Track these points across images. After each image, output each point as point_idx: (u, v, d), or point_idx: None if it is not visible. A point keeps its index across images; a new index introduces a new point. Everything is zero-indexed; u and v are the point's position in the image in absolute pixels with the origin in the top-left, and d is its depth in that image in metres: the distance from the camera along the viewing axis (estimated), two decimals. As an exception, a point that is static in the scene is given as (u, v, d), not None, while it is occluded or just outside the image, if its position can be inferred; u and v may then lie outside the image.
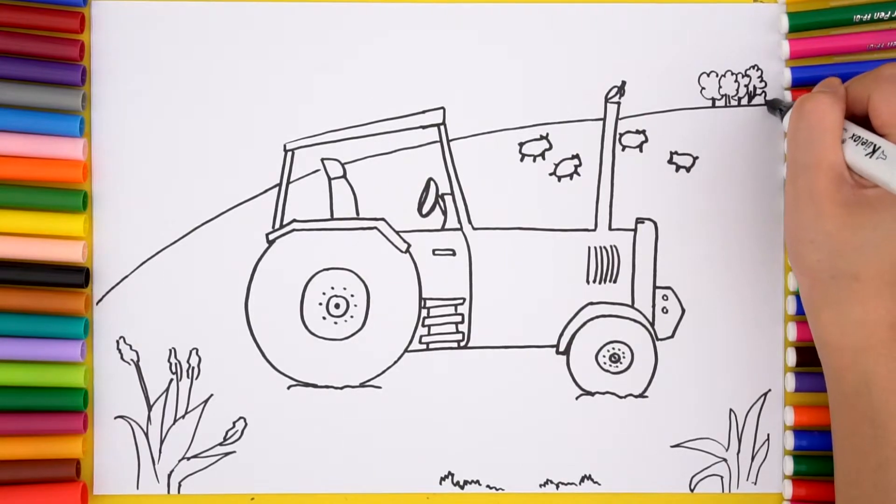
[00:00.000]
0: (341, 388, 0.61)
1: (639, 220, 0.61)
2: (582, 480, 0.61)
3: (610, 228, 0.61)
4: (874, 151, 0.50)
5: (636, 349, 0.61)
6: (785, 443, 0.61)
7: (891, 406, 0.51)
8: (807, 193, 0.51)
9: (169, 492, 0.61)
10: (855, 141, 0.51)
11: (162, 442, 0.61)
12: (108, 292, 0.61)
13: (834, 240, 0.51)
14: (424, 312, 0.61)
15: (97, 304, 0.61)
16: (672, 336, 0.61)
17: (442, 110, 0.61)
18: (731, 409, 0.61)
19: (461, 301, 0.61)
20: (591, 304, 0.61)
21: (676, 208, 0.61)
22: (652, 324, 0.61)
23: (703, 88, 0.61)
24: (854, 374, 0.52)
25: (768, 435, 0.61)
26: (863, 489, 0.52)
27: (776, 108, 0.59)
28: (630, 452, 0.61)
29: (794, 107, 0.53)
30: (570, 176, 0.61)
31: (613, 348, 0.61)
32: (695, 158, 0.61)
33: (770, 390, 0.61)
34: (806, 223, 0.52)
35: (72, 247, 0.60)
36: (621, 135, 0.61)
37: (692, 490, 0.61)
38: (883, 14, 0.60)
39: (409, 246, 0.61)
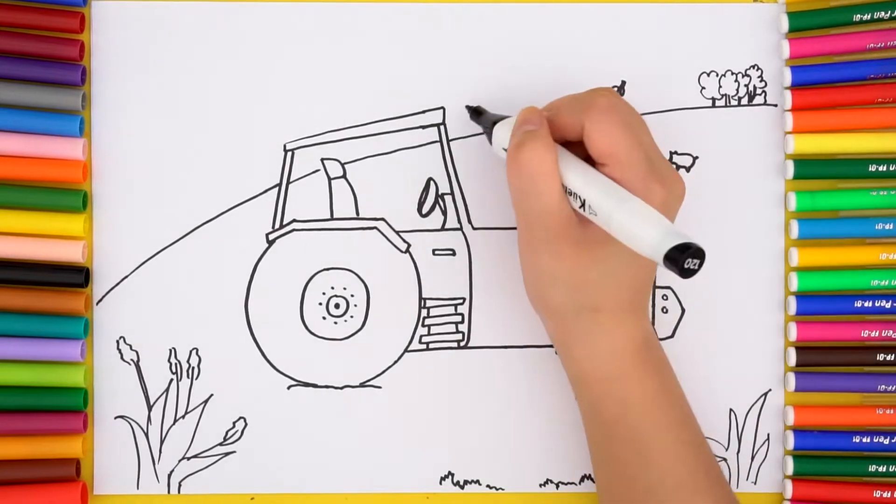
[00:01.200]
0: (341, 388, 0.61)
1: (639, 220, 0.61)
2: (582, 480, 0.61)
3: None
4: (582, 205, 0.51)
5: (636, 349, 0.61)
6: (785, 443, 0.61)
7: (649, 425, 0.53)
8: (542, 238, 0.52)
9: (169, 492, 0.61)
10: (568, 193, 0.52)
11: (162, 442, 0.61)
12: (108, 292, 0.61)
13: (574, 277, 0.52)
14: (424, 312, 0.61)
15: (97, 303, 0.61)
16: (672, 336, 0.61)
17: (442, 110, 0.61)
18: (731, 409, 0.61)
19: (461, 301, 0.61)
20: (591, 303, 0.61)
21: (676, 208, 0.61)
22: (652, 324, 0.61)
23: (703, 88, 0.61)
24: (612, 401, 0.54)
25: (768, 435, 0.61)
26: None
27: (478, 116, 0.59)
28: (630, 452, 0.61)
29: (508, 157, 0.53)
30: (570, 176, 0.61)
31: (613, 348, 0.61)
32: (695, 158, 0.61)
33: (770, 390, 0.61)
34: (545, 266, 0.53)
35: (72, 246, 0.60)
36: (621, 135, 0.61)
37: (692, 490, 0.61)
38: (883, 14, 0.60)
39: (409, 246, 0.61)
